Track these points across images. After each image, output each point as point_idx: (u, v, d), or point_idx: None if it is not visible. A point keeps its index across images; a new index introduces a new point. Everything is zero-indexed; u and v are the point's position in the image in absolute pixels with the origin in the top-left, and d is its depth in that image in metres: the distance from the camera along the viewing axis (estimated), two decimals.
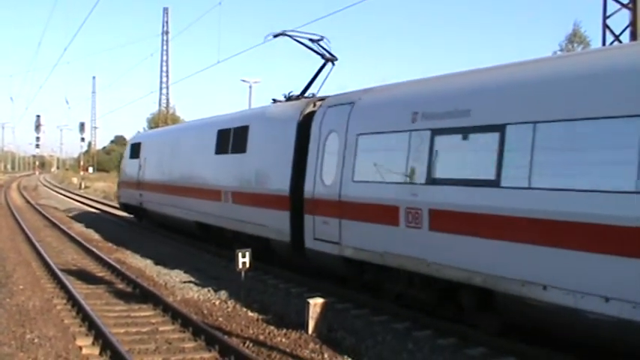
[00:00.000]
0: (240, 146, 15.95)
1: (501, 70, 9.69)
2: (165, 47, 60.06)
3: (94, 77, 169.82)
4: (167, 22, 60.07)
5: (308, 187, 12.64)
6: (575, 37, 37.33)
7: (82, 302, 10.96)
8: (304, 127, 13.32)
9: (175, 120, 60.48)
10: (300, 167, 13.03)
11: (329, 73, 15.43)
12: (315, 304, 9.60)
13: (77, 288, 12.53)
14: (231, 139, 16.49)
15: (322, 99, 13.73)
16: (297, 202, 13.08)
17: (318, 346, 8.90)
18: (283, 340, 9.22)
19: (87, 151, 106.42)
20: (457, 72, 10.72)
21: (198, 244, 19.45)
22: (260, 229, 14.58)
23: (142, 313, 10.95)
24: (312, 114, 13.31)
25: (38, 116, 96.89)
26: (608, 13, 15.15)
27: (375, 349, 8.86)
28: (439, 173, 9.52)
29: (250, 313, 10.88)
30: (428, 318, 10.15)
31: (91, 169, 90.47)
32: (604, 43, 15.13)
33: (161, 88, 60.75)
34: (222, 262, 16.30)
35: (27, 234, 21.60)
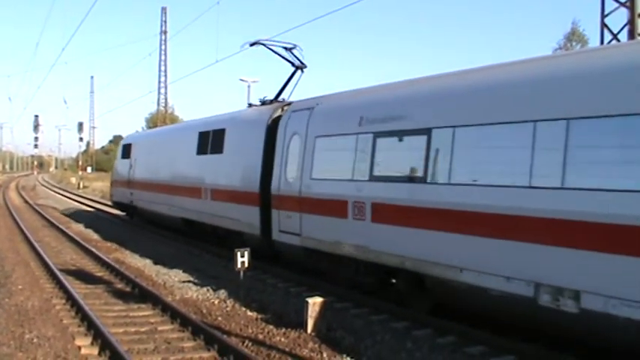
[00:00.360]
0: (218, 147, 17.29)
1: (430, 81, 11.15)
2: (163, 47, 60.08)
3: (92, 77, 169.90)
4: (165, 22, 60.10)
5: (274, 185, 13.97)
6: (573, 36, 37.42)
7: (81, 302, 10.95)
8: (272, 129, 14.65)
9: (174, 120, 60.51)
10: (269, 166, 14.33)
11: (299, 80, 16.95)
12: (314, 303, 9.60)
13: (76, 288, 12.52)
14: (210, 140, 17.88)
15: (289, 104, 15.01)
16: (265, 199, 14.37)
17: (317, 346, 8.91)
18: (282, 339, 9.23)
19: (85, 151, 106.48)
20: (396, 81, 12.14)
21: (197, 244, 19.45)
22: (235, 224, 15.93)
23: (141, 313, 10.95)
24: (279, 118, 14.64)
25: (36, 116, 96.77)
26: (606, 12, 15.16)
27: (374, 348, 8.86)
28: (379, 171, 10.86)
29: (249, 313, 10.88)
30: (427, 317, 10.18)
31: (89, 169, 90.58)
32: (602, 42, 15.15)
33: (159, 88, 60.76)
34: (221, 262, 16.29)
35: (25, 234, 21.59)
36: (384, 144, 10.88)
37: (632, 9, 14.60)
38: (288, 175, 13.49)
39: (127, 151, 27.25)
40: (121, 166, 27.87)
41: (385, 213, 10.55)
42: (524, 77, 8.90)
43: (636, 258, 6.77)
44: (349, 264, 11.75)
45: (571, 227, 7.46)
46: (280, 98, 16.77)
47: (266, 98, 17.06)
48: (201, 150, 18.40)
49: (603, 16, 15.18)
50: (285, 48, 16.71)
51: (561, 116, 7.78)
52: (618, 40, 14.81)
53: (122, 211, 28.91)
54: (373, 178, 10.90)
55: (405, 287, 10.61)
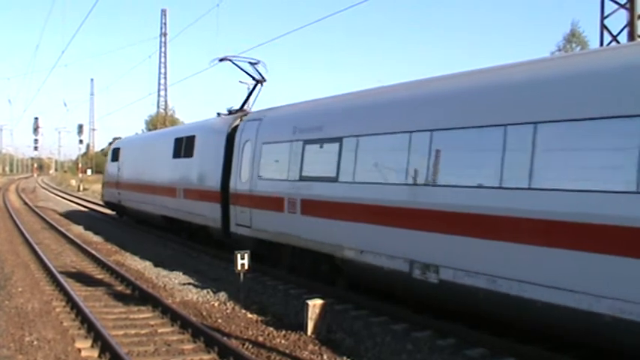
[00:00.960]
0: (189, 152, 19.54)
1: (343, 98, 13.43)
2: (163, 49, 60.13)
3: (92, 79, 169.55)
4: (165, 24, 60.15)
5: (232, 184, 16.18)
6: (573, 38, 37.40)
7: (81, 304, 10.95)
8: (231, 137, 16.82)
9: (174, 122, 60.44)
10: (228, 169, 16.53)
11: (259, 92, 19.85)
12: (315, 305, 9.60)
13: (76, 290, 12.52)
14: (183, 146, 20.10)
15: (246, 114, 17.25)
16: (225, 197, 16.53)
17: (317, 348, 8.91)
18: (282, 341, 9.23)
19: (85, 153, 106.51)
20: (320, 98, 14.56)
21: (197, 247, 19.46)
22: (202, 219, 18.15)
23: (141, 315, 10.95)
24: (237, 127, 16.76)
25: (36, 118, 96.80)
26: (605, 14, 15.17)
27: (375, 350, 8.87)
28: (306, 172, 13.03)
29: (249, 315, 10.88)
30: (427, 319, 10.19)
31: (89, 171, 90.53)
32: (602, 44, 15.16)
33: (159, 90, 60.77)
34: (221, 264, 16.31)
35: (25, 236, 21.59)
36: (310, 149, 13.06)
37: (631, 11, 14.62)
38: (242, 176, 15.66)
39: (115, 155, 29.27)
40: (111, 168, 29.92)
41: (310, 207, 12.76)
42: (402, 97, 11.29)
43: (464, 237, 8.91)
44: (288, 251, 13.87)
45: (426, 215, 9.69)
46: (248, 108, 18.95)
47: (232, 108, 18.98)
48: (176, 154, 20.56)
49: (603, 17, 15.19)
50: (250, 63, 18.87)
51: (427, 128, 10.00)
52: (618, 42, 14.82)
53: (112, 210, 30.98)
54: (302, 178, 13.11)
55: (327, 268, 12.53)
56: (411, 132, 10.20)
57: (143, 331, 9.86)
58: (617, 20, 15.19)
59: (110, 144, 35.25)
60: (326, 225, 12.14)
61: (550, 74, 8.57)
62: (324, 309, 9.70)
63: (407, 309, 10.72)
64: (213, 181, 17.18)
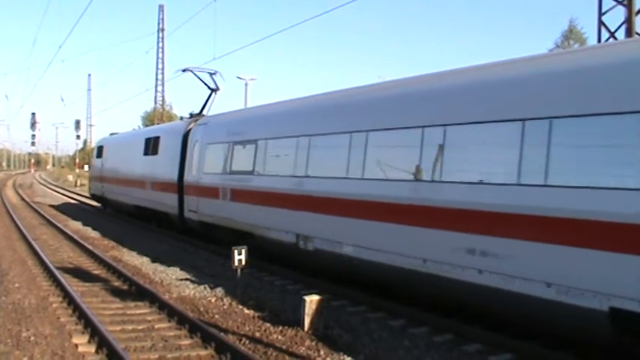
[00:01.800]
0: (155, 150, 22.91)
1: (259, 108, 17.51)
2: (160, 44, 59.96)
3: (89, 75, 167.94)
4: (163, 20, 59.97)
5: (185, 177, 19.76)
6: (571, 34, 37.32)
7: (78, 300, 10.94)
8: (186, 138, 20.21)
9: (171, 117, 60.32)
10: (183, 164, 20.02)
11: (214, 100, 22.98)
12: (311, 301, 9.60)
13: (73, 286, 12.51)
14: (151, 145, 23.42)
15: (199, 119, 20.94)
16: (181, 188, 19.93)
17: (314, 344, 8.91)
18: (279, 337, 9.23)
19: (82, 149, 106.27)
20: (245, 108, 19.40)
21: (194, 242, 19.47)
22: (164, 207, 21.57)
23: (138, 311, 10.95)
24: (191, 129, 20.18)
25: (33, 114, 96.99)
26: (603, 10, 15.17)
27: (372, 346, 8.87)
28: (234, 167, 16.56)
29: (246, 311, 10.88)
30: (424, 315, 10.20)
31: (86, 167, 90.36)
32: (599, 40, 15.16)
33: (156, 85, 60.62)
34: (218, 260, 16.31)
35: (22, 232, 21.56)
36: (236, 149, 16.50)
37: (629, 7, 14.62)
38: (192, 171, 19.09)
39: (100, 152, 32.88)
40: (96, 164, 33.63)
41: (236, 195, 16.21)
42: (300, 105, 14.72)
43: (325, 215, 12.21)
44: (225, 231, 17.01)
45: (302, 200, 13.01)
46: (206, 112, 22.42)
47: (193, 112, 22.78)
48: (146, 152, 23.95)
49: (601, 14, 15.19)
50: (209, 73, 22.64)
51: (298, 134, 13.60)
52: (615, 39, 14.82)
53: (98, 202, 34.19)
54: (231, 172, 16.69)
55: (251, 244, 14.06)
56: (298, 137, 13.55)
57: (140, 327, 9.86)
58: (615, 17, 15.20)
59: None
60: (246, 209, 15.56)
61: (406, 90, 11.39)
62: (321, 305, 9.69)
63: (404, 305, 10.73)
64: (172, 175, 20.57)
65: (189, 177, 19.32)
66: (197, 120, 20.51)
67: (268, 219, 14.35)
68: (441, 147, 9.54)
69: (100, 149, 33.12)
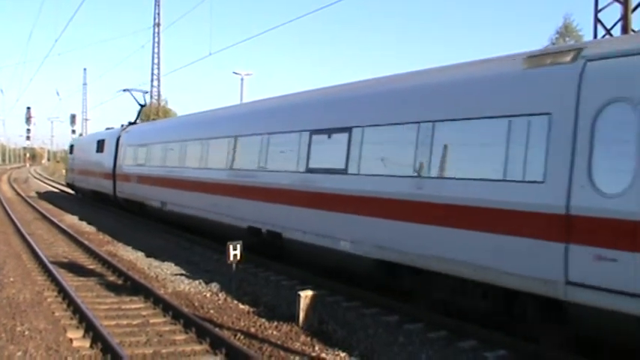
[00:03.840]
0: (101, 149, 30.88)
1: (162, 122, 28.80)
2: (156, 39, 59.54)
3: (84, 69, 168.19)
4: (159, 14, 59.50)
5: (116, 169, 27.75)
6: (567, 31, 37.25)
7: (73, 295, 10.93)
8: (119, 141, 28.13)
9: (166, 112, 60.14)
10: (116, 160, 27.90)
11: (140, 113, 33.06)
12: (306, 296, 9.62)
13: (68, 280, 12.50)
14: (100, 145, 31.42)
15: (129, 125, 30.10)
16: (114, 176, 27.93)
17: (309, 339, 8.92)
18: (274, 332, 9.24)
19: None
20: (149, 122, 32.29)
21: (189, 237, 19.46)
22: (106, 190, 29.45)
23: (133, 306, 10.94)
24: (121, 135, 28.28)
25: (29, 108, 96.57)
26: (600, 7, 15.17)
27: (366, 341, 8.88)
28: (138, 162, 24.43)
29: (241, 306, 10.89)
30: (419, 311, 10.21)
31: None
32: (595, 37, 15.17)
33: (152, 80, 60.37)
34: (213, 255, 16.30)
35: (17, 226, 21.52)
36: (139, 149, 24.70)
37: (625, 4, 14.62)
38: (120, 164, 27.33)
39: (71, 150, 41.82)
40: (70, 159, 42.08)
41: (139, 179, 24.34)
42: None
43: (170, 189, 20.39)
44: (134, 204, 25.18)
45: (165, 181, 20.87)
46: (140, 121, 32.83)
47: (130, 122, 31.01)
48: (97, 150, 31.72)
49: (597, 11, 15.20)
50: (143, 92, 33.79)
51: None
52: (612, 36, 14.83)
53: (71, 189, 41.94)
54: (137, 165, 24.75)
55: (145, 211, 23.30)
56: (165, 142, 22.05)
57: (135, 322, 9.85)
58: (612, 14, 15.21)
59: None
60: (142, 188, 23.73)
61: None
62: (315, 300, 9.72)
63: (399, 301, 10.75)
64: (110, 167, 28.63)
65: (117, 168, 27.62)
66: (125, 128, 29.06)
67: (151, 194, 22.49)
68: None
69: (71, 147, 42.49)
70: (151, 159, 23.02)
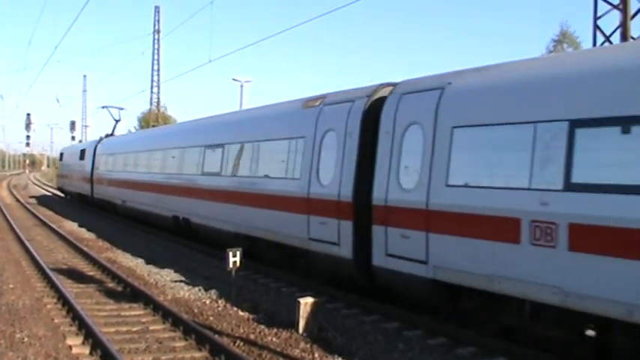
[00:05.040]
0: (83, 157, 36.00)
1: (121, 136, 35.43)
2: (156, 46, 59.65)
3: (84, 76, 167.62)
4: (158, 21, 59.65)
5: (94, 174, 32.55)
6: (564, 38, 37.22)
7: (72, 301, 10.92)
8: (96, 150, 33.42)
9: (166, 119, 60.20)
10: (93, 166, 32.97)
11: (115, 127, 38.71)
12: (306, 303, 9.61)
13: (67, 287, 12.49)
14: (82, 154, 36.54)
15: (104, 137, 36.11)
16: (92, 180, 32.76)
17: (308, 346, 8.91)
18: (274, 339, 9.23)
19: None
20: (117, 135, 36.95)
21: (189, 244, 19.45)
22: (86, 191, 34.24)
23: (133, 313, 10.93)
24: (97, 145, 33.83)
25: (28, 114, 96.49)
26: (598, 14, 15.22)
27: (366, 348, 8.88)
28: (108, 168, 30.31)
29: (241, 313, 10.88)
30: (418, 318, 10.20)
31: None
32: (594, 44, 15.22)
33: (152, 87, 60.46)
34: (213, 262, 16.27)
35: (17, 233, 21.52)
36: (108, 158, 30.48)
37: (624, 11, 14.68)
38: (96, 170, 32.32)
39: (61, 157, 47.67)
40: (60, 165, 48.70)
41: (109, 183, 29.32)
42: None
43: (124, 189, 26.48)
44: (105, 202, 30.11)
45: (121, 183, 27.19)
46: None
47: (107, 134, 36.72)
48: (80, 158, 36.84)
49: (596, 18, 15.25)
50: (119, 109, 40.02)
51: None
52: (611, 42, 14.88)
53: (61, 192, 46.50)
54: (107, 171, 30.22)
55: (115, 209, 28.09)
56: (125, 153, 27.86)
57: (134, 329, 9.85)
58: (610, 21, 15.27)
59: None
60: (110, 189, 29.24)
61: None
62: (315, 307, 9.71)
63: (399, 308, 10.74)
64: (88, 172, 33.75)
65: (94, 174, 32.85)
66: (102, 140, 34.47)
67: (116, 194, 27.75)
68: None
69: (61, 155, 48.24)
70: (116, 166, 28.77)
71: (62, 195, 46.04)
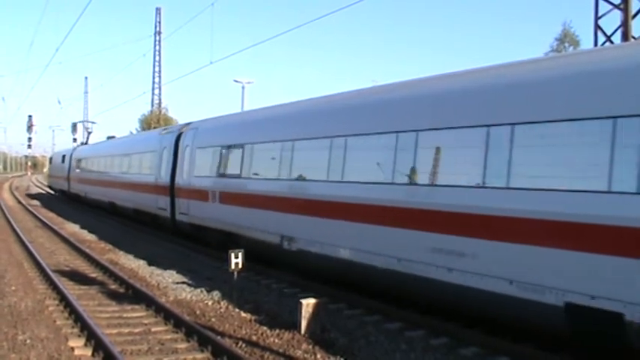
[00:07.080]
0: (65, 161, 44.48)
1: (94, 144, 43.89)
2: (157, 47, 59.82)
3: (86, 77, 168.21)
4: (160, 23, 59.82)
5: (70, 174, 42.04)
6: (566, 38, 37.23)
7: (75, 303, 10.93)
8: (72, 155, 42.77)
9: (167, 120, 60.26)
10: (70, 167, 42.37)
11: (88, 138, 53.56)
12: (308, 304, 9.60)
13: (69, 289, 12.49)
14: (64, 158, 45.25)
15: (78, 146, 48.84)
16: (69, 178, 42.56)
17: (310, 347, 8.91)
18: (276, 340, 9.23)
19: None
20: (92, 143, 47.26)
21: (191, 245, 19.46)
22: (65, 188, 44.17)
23: (135, 314, 10.93)
24: (73, 151, 44.05)
25: (30, 116, 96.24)
26: (600, 14, 15.21)
27: (368, 349, 8.88)
28: (82, 168, 38.52)
29: (243, 314, 10.88)
30: (420, 318, 10.20)
31: None
32: (596, 44, 15.20)
33: (153, 89, 60.55)
34: (215, 263, 16.28)
35: (19, 234, 21.53)
36: (83, 161, 38.78)
37: (625, 11, 14.67)
38: (72, 172, 41.29)
39: (50, 160, 58.25)
40: (50, 168, 58.66)
41: (84, 181, 37.36)
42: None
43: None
44: (78, 197, 39.25)
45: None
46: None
47: (82, 142, 50.70)
48: (61, 162, 45.69)
49: (597, 18, 15.23)
50: (92, 123, 56.12)
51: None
52: (612, 42, 14.87)
53: (51, 190, 55.58)
54: (82, 171, 38.39)
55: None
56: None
57: (136, 330, 9.85)
58: (612, 21, 15.25)
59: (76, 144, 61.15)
60: (85, 187, 36.32)
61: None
62: (317, 308, 9.70)
63: (401, 308, 10.74)
64: (67, 173, 42.50)
65: (70, 174, 41.40)
66: (77, 147, 44.31)
67: (83, 189, 36.31)
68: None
69: (50, 159, 59.11)
70: (85, 167, 37.45)
71: (52, 192, 54.56)
